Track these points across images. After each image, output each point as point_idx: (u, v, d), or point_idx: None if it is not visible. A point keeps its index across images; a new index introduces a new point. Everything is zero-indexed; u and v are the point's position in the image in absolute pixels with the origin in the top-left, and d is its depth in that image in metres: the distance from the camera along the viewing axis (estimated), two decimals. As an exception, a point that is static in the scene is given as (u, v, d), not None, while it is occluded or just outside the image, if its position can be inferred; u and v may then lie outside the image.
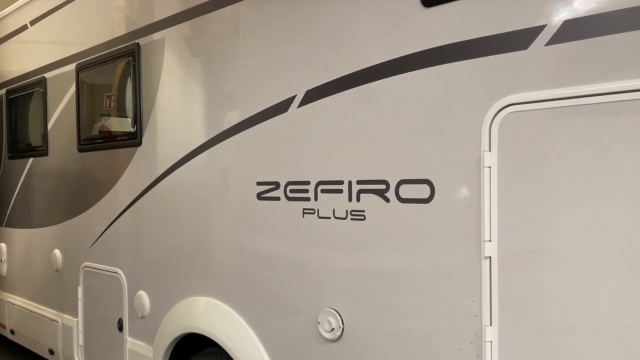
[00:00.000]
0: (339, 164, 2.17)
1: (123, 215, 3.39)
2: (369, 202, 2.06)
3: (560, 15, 1.59)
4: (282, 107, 2.38)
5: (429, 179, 1.88)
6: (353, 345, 2.14)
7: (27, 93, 4.49)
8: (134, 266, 3.33)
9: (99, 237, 3.61)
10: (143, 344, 3.22)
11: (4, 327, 4.96)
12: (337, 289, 2.19)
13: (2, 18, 4.84)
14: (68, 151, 3.93)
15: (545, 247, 1.63)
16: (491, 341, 1.73)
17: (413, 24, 1.92)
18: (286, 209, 2.37)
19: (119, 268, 3.44)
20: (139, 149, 3.23)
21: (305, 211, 2.30)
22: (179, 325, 2.93)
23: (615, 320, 1.52)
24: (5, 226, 4.94)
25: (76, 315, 3.86)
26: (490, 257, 1.73)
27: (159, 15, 3.09)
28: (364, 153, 2.08)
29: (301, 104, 2.30)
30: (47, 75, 4.19)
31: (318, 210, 2.25)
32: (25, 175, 4.57)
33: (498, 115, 1.70)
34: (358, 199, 2.10)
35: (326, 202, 2.21)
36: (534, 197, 1.65)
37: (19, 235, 4.70)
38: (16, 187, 4.71)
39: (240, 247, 2.61)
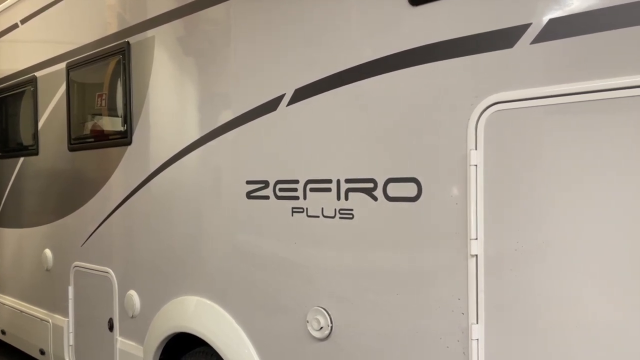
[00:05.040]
0: (328, 162, 2.17)
1: (113, 215, 3.38)
2: (357, 200, 2.07)
3: (545, 14, 1.60)
4: (271, 106, 2.37)
5: (416, 177, 1.88)
6: (341, 343, 2.14)
7: (17, 92, 4.47)
8: (125, 266, 3.32)
9: (90, 236, 3.60)
10: (133, 343, 3.22)
11: (-6, 327, 4.94)
12: (325, 287, 2.19)
13: (-8, 17, 4.82)
14: (59, 150, 3.92)
15: (531, 246, 1.63)
16: (478, 339, 1.74)
17: (400, 22, 1.92)
18: (275, 208, 2.37)
19: (109, 268, 3.43)
20: (129, 148, 3.22)
21: (294, 210, 2.30)
22: (169, 324, 2.92)
23: (601, 318, 1.53)
24: (-4, 226, 4.93)
25: (67, 315, 3.84)
26: (476, 255, 1.73)
27: (149, 14, 3.08)
28: (352, 151, 2.08)
29: (290, 102, 2.30)
30: (37, 74, 4.17)
31: (307, 209, 2.25)
32: (16, 175, 4.55)
33: (484, 114, 1.70)
34: (346, 198, 2.10)
35: (315, 201, 2.21)
36: (520, 195, 1.65)
37: (10, 235, 4.68)
38: (7, 186, 4.68)
39: (230, 246, 2.61)
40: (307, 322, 2.23)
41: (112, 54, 3.31)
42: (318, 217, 2.20)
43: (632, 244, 1.47)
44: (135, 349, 3.19)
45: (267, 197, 2.41)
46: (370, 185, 2.02)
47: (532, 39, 1.62)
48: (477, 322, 1.74)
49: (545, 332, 1.62)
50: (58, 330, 3.94)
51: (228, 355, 2.55)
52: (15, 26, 4.50)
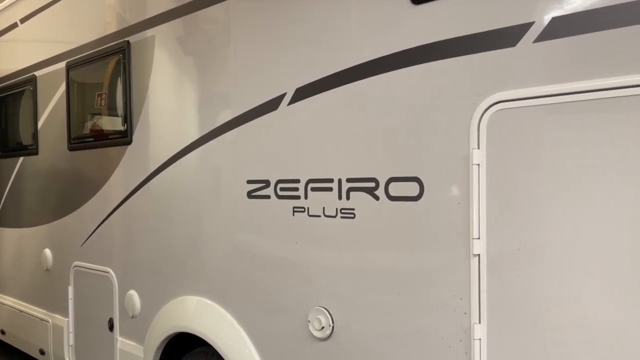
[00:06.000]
0: (329, 162, 2.16)
1: (113, 214, 3.37)
2: (359, 200, 2.06)
3: (548, 13, 1.59)
4: (272, 105, 2.37)
5: (418, 176, 1.88)
6: (343, 343, 2.13)
7: (17, 91, 4.46)
8: (125, 265, 3.31)
9: (90, 236, 3.59)
10: (134, 343, 3.21)
11: (-6, 327, 4.93)
12: (327, 287, 2.18)
13: (-8, 16, 4.81)
14: (58, 150, 3.91)
15: (534, 245, 1.63)
16: (480, 339, 1.73)
17: (402, 21, 1.92)
18: (276, 208, 2.36)
19: (109, 267, 3.42)
20: (129, 147, 3.21)
21: (295, 209, 2.29)
22: (169, 324, 2.91)
23: (603, 318, 1.52)
24: (-4, 226, 4.92)
25: (67, 315, 3.84)
26: (479, 255, 1.73)
27: (149, 13, 3.07)
28: (353, 151, 2.08)
29: (291, 101, 2.29)
30: (37, 73, 4.16)
31: (308, 208, 2.24)
32: (16, 175, 4.54)
33: (486, 113, 1.70)
34: (348, 197, 2.10)
35: (316, 201, 2.21)
36: (523, 194, 1.65)
37: (9, 234, 4.67)
38: (6, 186, 4.67)
39: (231, 245, 2.60)
40: (309, 322, 2.23)
41: (112, 54, 3.30)
42: (319, 216, 2.19)
43: (633, 243, 1.46)
44: (135, 349, 3.18)
45: (268, 197, 2.40)
46: (372, 184, 2.01)
47: (534, 38, 1.61)
48: (480, 322, 1.73)
49: (547, 331, 1.61)
50: (58, 330, 3.93)
51: (229, 355, 2.54)
52: (14, 25, 4.49)
